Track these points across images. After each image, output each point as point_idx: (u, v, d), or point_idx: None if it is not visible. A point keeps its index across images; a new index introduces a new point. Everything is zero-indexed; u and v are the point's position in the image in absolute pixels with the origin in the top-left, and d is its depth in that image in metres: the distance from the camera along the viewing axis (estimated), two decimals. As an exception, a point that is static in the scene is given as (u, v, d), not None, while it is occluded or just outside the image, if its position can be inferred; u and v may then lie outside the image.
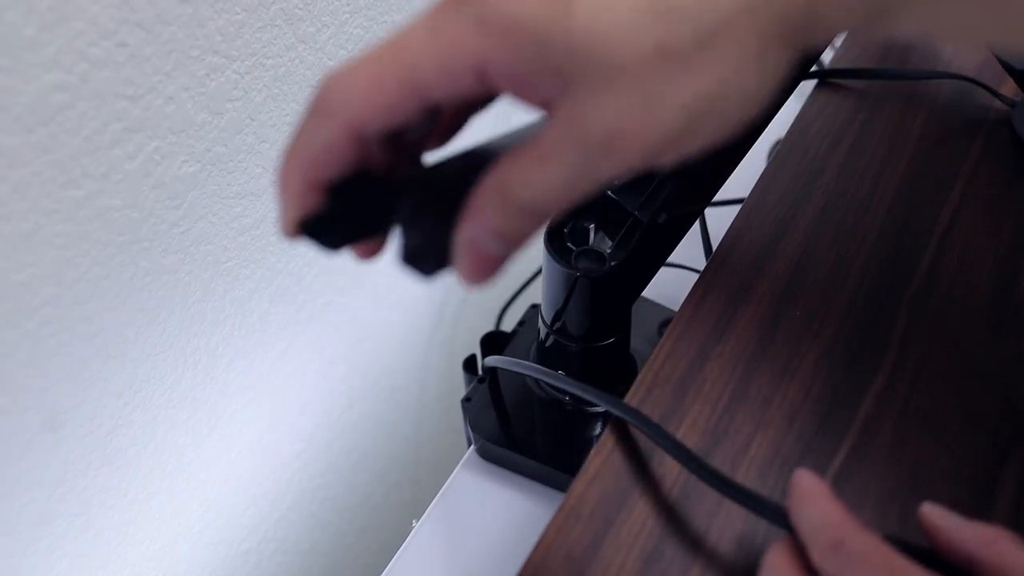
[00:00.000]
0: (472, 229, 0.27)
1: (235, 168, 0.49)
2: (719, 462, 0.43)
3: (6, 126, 0.36)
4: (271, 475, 0.64)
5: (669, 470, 0.43)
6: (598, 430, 0.55)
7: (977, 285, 0.51)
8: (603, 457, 0.44)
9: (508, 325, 0.71)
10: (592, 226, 0.51)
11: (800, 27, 0.26)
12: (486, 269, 0.28)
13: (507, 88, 0.26)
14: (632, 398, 0.46)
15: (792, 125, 0.62)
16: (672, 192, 0.48)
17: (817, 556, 0.33)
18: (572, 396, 0.48)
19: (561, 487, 0.54)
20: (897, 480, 0.42)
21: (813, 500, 0.35)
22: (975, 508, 0.41)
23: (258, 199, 0.51)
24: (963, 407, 0.45)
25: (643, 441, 0.44)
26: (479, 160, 0.27)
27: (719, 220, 0.58)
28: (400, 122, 0.26)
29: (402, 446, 0.81)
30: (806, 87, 0.66)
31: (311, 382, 0.65)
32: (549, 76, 0.25)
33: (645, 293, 0.54)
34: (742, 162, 0.52)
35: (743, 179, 0.57)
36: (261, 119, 0.49)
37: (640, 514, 0.41)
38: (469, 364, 0.62)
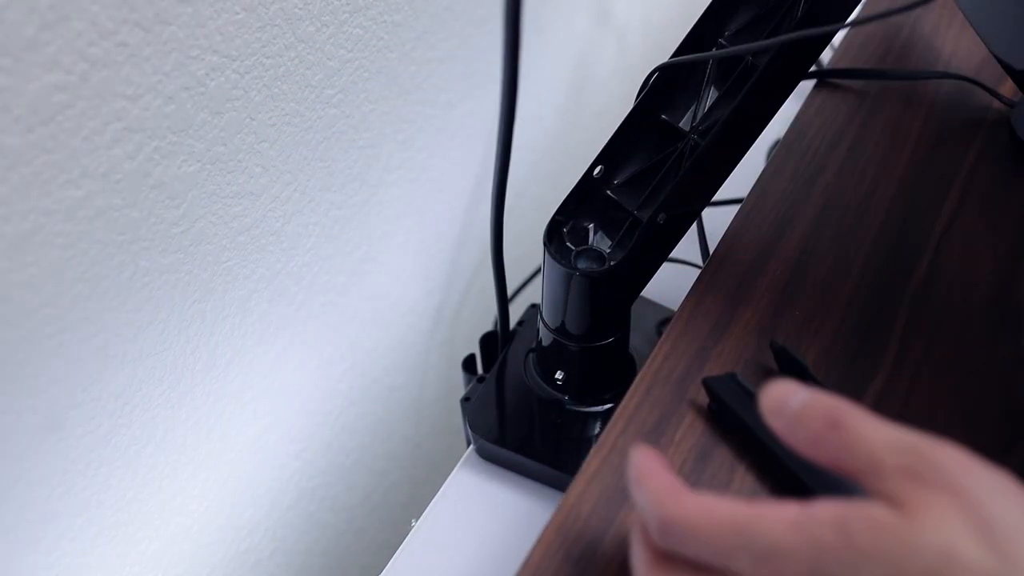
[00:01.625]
0: None
1: (235, 168, 0.49)
2: (719, 461, 0.43)
3: (6, 126, 0.36)
4: (270, 475, 0.64)
5: (668, 470, 0.43)
6: (597, 430, 0.55)
7: (977, 285, 0.51)
8: (602, 456, 0.44)
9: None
10: (591, 226, 0.51)
11: None
12: None
13: None
14: (631, 398, 0.46)
15: (791, 125, 0.62)
16: (671, 192, 0.48)
17: (656, 539, 0.32)
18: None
19: (560, 487, 0.54)
20: (896, 480, 0.42)
21: (645, 479, 0.33)
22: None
23: (257, 199, 0.52)
24: (963, 407, 0.45)
25: (642, 440, 0.44)
26: None
27: (718, 220, 0.58)
28: None
29: (401, 446, 0.81)
30: (805, 87, 0.66)
31: (310, 382, 0.65)
32: None
33: (644, 292, 0.54)
34: (741, 162, 0.52)
35: (742, 179, 0.57)
36: (261, 119, 0.49)
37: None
38: (468, 364, 0.63)
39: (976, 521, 0.28)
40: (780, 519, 0.29)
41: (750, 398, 0.43)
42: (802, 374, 0.45)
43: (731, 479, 0.43)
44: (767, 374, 0.47)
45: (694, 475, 0.43)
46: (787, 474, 0.41)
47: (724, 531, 0.30)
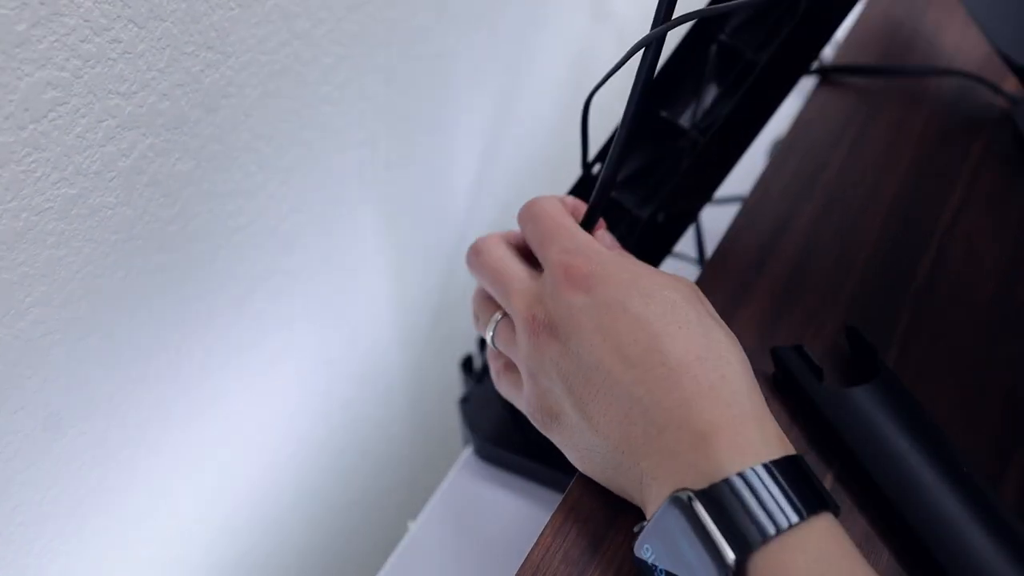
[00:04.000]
0: None
1: (230, 165, 0.48)
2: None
3: (-3, 123, 0.35)
4: (266, 476, 0.64)
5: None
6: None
7: (980, 283, 0.51)
8: (602, 458, 0.43)
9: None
10: (591, 224, 0.51)
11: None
12: None
13: None
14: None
15: (793, 123, 0.62)
16: (671, 190, 0.47)
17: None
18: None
19: (559, 488, 0.54)
20: (899, 481, 0.42)
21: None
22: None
23: (253, 197, 0.51)
24: (965, 406, 0.45)
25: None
26: None
27: (719, 219, 0.57)
28: None
29: (398, 447, 0.80)
30: (807, 84, 0.66)
31: (306, 382, 0.64)
32: None
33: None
34: (742, 160, 0.51)
35: (743, 177, 0.57)
36: (256, 116, 0.49)
37: (639, 515, 0.41)
38: (466, 364, 0.62)
39: None
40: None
41: (813, 370, 0.44)
42: (873, 358, 0.45)
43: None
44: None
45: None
46: (840, 446, 0.42)
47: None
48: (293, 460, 0.66)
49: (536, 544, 0.40)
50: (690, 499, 0.32)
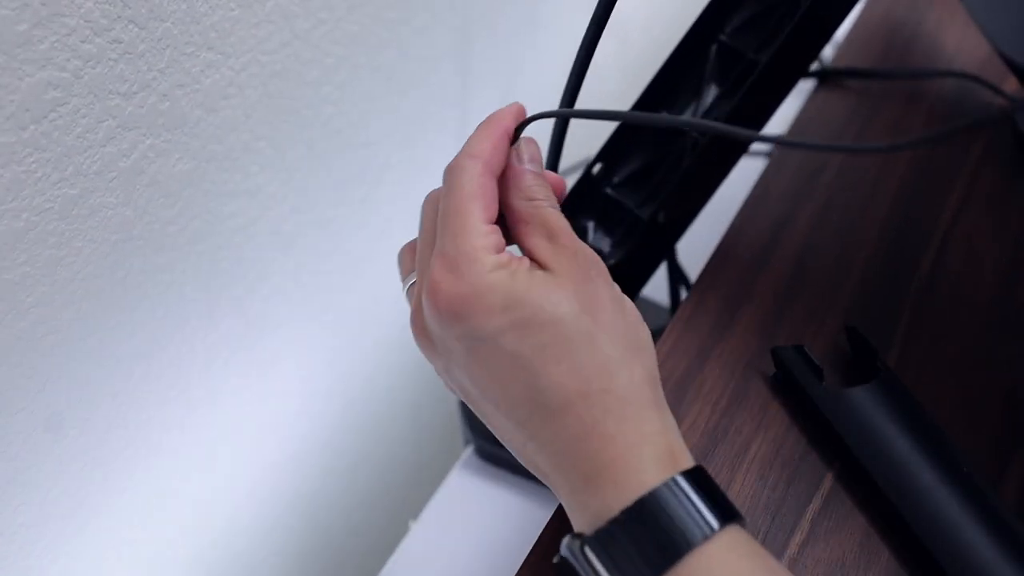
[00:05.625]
0: None
1: (230, 166, 0.48)
2: (719, 463, 0.43)
3: (-2, 123, 0.35)
4: (267, 477, 0.64)
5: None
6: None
7: (980, 283, 0.51)
8: (602, 458, 0.43)
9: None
10: (591, 224, 0.51)
11: None
12: None
13: None
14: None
15: (793, 124, 0.62)
16: (672, 191, 0.47)
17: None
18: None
19: (560, 488, 0.54)
20: (899, 481, 0.42)
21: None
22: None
23: (253, 197, 0.51)
24: (966, 406, 0.45)
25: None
26: None
27: (719, 219, 0.57)
28: None
29: (399, 446, 0.81)
30: (806, 84, 0.66)
31: (308, 382, 0.64)
32: None
33: (644, 292, 0.54)
34: (742, 160, 0.51)
35: (744, 177, 0.57)
36: (256, 116, 0.49)
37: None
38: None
39: None
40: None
41: (814, 370, 0.44)
42: (872, 358, 0.45)
43: (732, 479, 0.42)
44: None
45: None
46: (841, 446, 0.42)
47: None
48: (294, 460, 0.66)
49: (536, 543, 0.40)
50: (582, 547, 0.32)
